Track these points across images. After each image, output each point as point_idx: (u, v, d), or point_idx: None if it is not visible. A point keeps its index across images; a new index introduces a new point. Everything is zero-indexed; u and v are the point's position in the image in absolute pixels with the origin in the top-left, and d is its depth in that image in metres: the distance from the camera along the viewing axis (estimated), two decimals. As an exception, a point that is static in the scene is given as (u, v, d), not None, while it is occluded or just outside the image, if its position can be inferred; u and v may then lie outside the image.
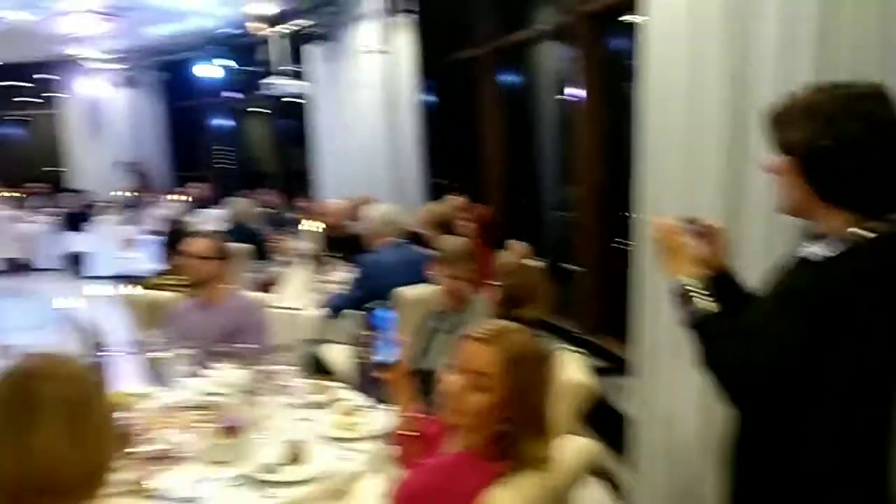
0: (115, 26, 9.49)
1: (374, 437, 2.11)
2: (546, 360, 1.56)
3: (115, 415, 1.42)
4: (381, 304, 1.91)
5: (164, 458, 1.92)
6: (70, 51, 11.44)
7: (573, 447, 1.70)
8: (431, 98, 6.72)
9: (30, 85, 13.93)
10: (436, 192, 6.27)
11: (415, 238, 4.22)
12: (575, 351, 2.46)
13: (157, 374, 2.59)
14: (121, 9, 8.49)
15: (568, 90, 4.69)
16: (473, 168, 6.14)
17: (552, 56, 5.22)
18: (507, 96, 5.87)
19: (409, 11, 6.20)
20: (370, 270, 3.73)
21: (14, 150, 14.53)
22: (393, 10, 6.35)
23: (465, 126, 6.28)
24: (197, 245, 3.09)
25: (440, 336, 2.75)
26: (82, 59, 11.97)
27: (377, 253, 3.90)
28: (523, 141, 5.72)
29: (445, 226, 4.20)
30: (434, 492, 1.47)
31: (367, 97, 7.06)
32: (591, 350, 3.68)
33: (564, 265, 4.64)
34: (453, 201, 4.91)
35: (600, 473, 2.42)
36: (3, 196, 11.25)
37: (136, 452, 1.87)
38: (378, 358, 1.80)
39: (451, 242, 2.96)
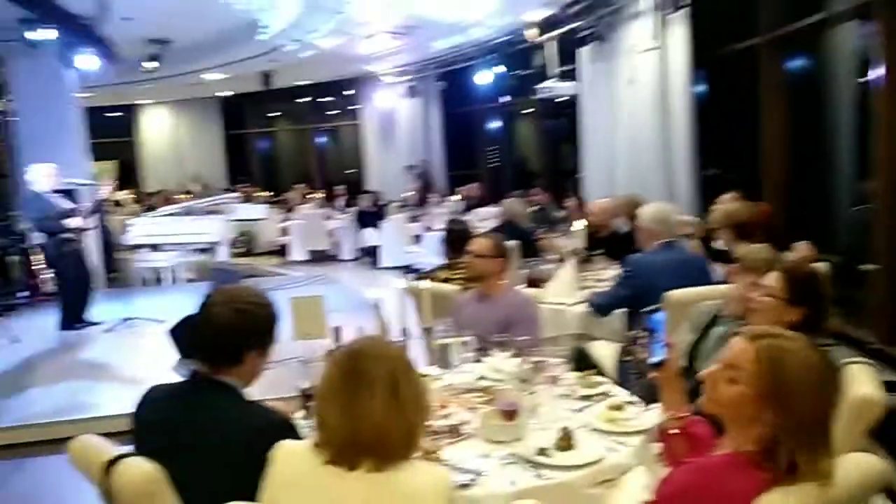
0: (406, 43, 10.56)
1: (640, 433, 2.17)
2: (823, 370, 1.48)
3: (426, 387, 1.68)
4: (654, 306, 1.96)
5: (451, 433, 2.19)
6: (369, 68, 12.99)
7: (859, 464, 1.60)
8: (701, 90, 6.48)
9: (335, 99, 16.14)
10: (708, 187, 6.02)
11: (705, 239, 4.04)
12: (864, 362, 2.25)
13: (442, 358, 2.91)
14: (410, 27, 9.43)
15: (868, 74, 4.20)
16: (750, 161, 5.77)
17: (849, 38, 4.71)
18: (792, 84, 5.41)
19: (682, 6, 6.04)
20: (637, 270, 3.72)
21: (323, 157, 16.95)
22: (666, 5, 6.22)
23: (739, 118, 5.95)
24: (478, 244, 3.39)
25: (715, 340, 2.68)
26: (378, 74, 13.52)
27: (646, 252, 3.87)
28: (810, 131, 5.24)
29: (742, 228, 3.78)
30: (698, 491, 1.47)
31: (637, 94, 7.02)
32: (887, 362, 3.29)
33: (859, 267, 4.18)
34: (735, 199, 4.63)
35: (892, 495, 2.18)
36: (314, 196, 13.14)
37: (428, 426, 2.15)
38: (651, 359, 1.87)
39: (756, 250, 2.71)
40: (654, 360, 1.87)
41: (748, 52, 5.72)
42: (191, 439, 1.82)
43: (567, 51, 8.46)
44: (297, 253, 11.54)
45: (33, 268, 8.07)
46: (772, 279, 2.39)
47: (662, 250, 3.79)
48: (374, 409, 1.48)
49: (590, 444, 2.11)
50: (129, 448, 1.90)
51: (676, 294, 3.30)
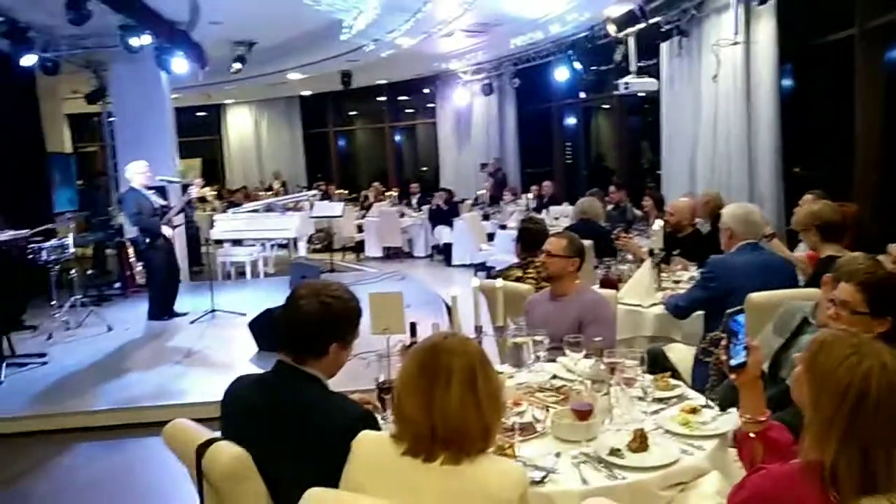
0: (484, 40, 10.60)
1: (715, 437, 2.14)
2: None
3: (501, 384, 1.71)
4: (737, 308, 1.92)
5: (525, 430, 2.21)
6: (446, 66, 13.09)
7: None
8: (788, 84, 6.26)
9: (411, 98, 16.35)
10: (793, 185, 5.80)
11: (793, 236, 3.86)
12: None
13: (515, 356, 2.92)
14: (489, 24, 9.46)
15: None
16: (839, 159, 5.53)
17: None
18: (891, 78, 5.15)
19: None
20: (718, 272, 3.62)
21: (399, 155, 17.21)
22: (752, -2, 6.04)
23: (829, 113, 5.71)
24: (552, 243, 3.39)
25: (803, 347, 2.57)
26: (455, 72, 13.61)
27: (727, 254, 3.77)
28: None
29: (828, 229, 3.55)
30: (769, 500, 1.44)
31: (720, 89, 6.84)
32: None
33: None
34: (818, 199, 4.44)
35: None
36: (389, 194, 13.35)
37: (502, 422, 2.18)
38: (732, 361, 1.84)
39: (854, 259, 2.40)
40: (735, 362, 1.84)
41: (841, 44, 5.48)
42: (275, 427, 1.91)
43: (647, 46, 8.29)
44: (373, 249, 11.77)
45: (128, 261, 8.54)
46: (845, 292, 2.24)
47: (745, 252, 3.67)
48: (450, 403, 1.53)
49: (663, 446, 2.09)
50: (218, 433, 2.01)
51: (758, 297, 3.20)
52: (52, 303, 6.75)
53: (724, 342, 1.85)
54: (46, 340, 6.37)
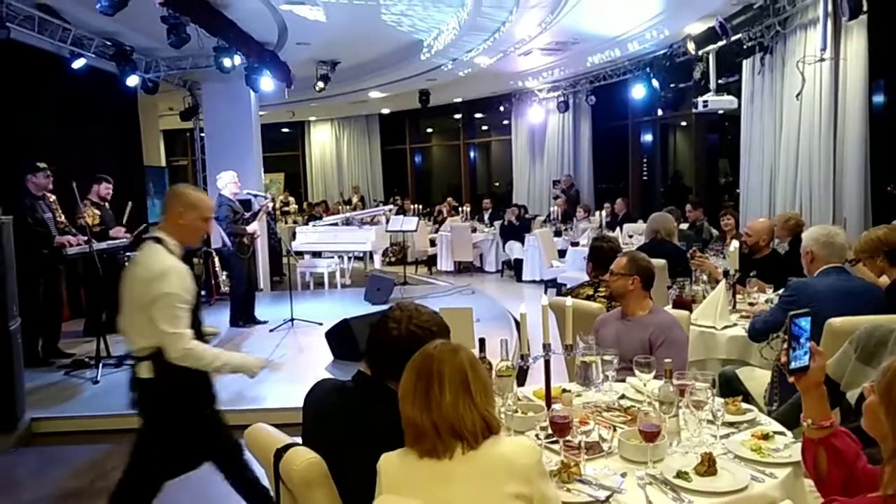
0: (562, 58, 10.62)
1: (788, 465, 2.10)
2: None
3: (489, 377, 1.89)
4: (802, 311, 1.84)
5: (591, 449, 2.23)
6: (522, 83, 13.16)
7: None
8: (878, 101, 6.03)
9: (486, 115, 16.49)
10: (881, 207, 5.56)
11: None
12: None
13: (583, 375, 2.93)
14: (567, 43, 9.48)
15: None
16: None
17: None
18: None
19: (858, 13, 5.64)
20: (799, 294, 3.50)
21: (473, 171, 17.35)
22: (842, 12, 5.84)
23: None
24: (619, 263, 3.38)
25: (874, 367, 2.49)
26: (531, 90, 13.66)
27: (809, 277, 3.67)
28: None
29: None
30: None
31: (805, 106, 6.63)
32: None
33: None
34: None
35: None
36: (461, 209, 13.48)
37: (569, 441, 2.20)
38: (792, 364, 1.80)
39: None
40: (796, 365, 1.79)
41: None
42: (351, 434, 2.00)
43: (727, 63, 8.13)
44: (445, 263, 11.90)
45: (214, 270, 8.96)
46: None
47: (827, 275, 3.56)
48: (447, 404, 1.68)
49: (732, 471, 2.06)
50: (296, 439, 2.13)
51: (839, 322, 3.11)
52: (145, 308, 7.14)
53: (784, 345, 1.82)
54: (138, 343, 6.75)
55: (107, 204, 7.15)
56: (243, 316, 7.53)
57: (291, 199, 16.44)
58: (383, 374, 2.05)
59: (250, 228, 7.37)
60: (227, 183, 7.31)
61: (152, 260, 2.76)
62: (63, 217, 6.40)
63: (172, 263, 2.75)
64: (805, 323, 1.80)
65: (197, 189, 3.10)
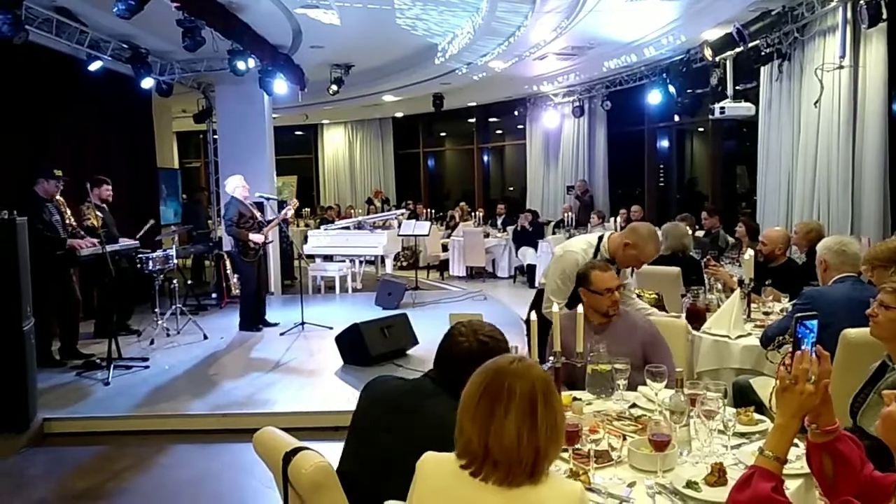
0: (577, 63, 10.58)
1: (801, 476, 2.06)
2: None
3: (564, 414, 1.69)
4: (809, 313, 1.79)
5: (601, 458, 2.20)
6: (537, 88, 13.14)
7: None
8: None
9: (500, 119, 16.48)
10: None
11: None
12: None
13: (594, 383, 2.90)
14: (581, 48, 9.45)
15: None
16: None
17: None
18: None
19: (878, 21, 5.58)
20: (814, 304, 3.46)
21: (486, 176, 17.34)
22: (862, 19, 5.78)
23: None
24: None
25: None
26: (546, 94, 13.64)
27: (824, 286, 3.63)
28: None
29: None
30: None
31: (823, 114, 6.57)
32: None
33: None
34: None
35: None
36: (474, 214, 13.46)
37: (579, 449, 2.18)
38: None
39: None
40: None
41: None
42: (409, 424, 2.04)
43: (744, 69, 8.07)
44: (457, 268, 11.88)
45: (225, 272, 8.99)
46: None
47: (843, 286, 3.52)
48: (507, 428, 1.51)
49: (744, 482, 2.03)
50: (304, 442, 2.11)
51: (853, 333, 3.06)
52: (156, 310, 7.20)
53: (789, 347, 1.77)
54: (149, 345, 6.80)
55: (106, 206, 7.05)
56: (254, 319, 7.51)
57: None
58: (455, 387, 1.94)
59: (258, 238, 7.32)
60: (235, 187, 7.32)
61: None
62: (72, 219, 6.42)
63: None
64: (813, 324, 1.75)
65: None
